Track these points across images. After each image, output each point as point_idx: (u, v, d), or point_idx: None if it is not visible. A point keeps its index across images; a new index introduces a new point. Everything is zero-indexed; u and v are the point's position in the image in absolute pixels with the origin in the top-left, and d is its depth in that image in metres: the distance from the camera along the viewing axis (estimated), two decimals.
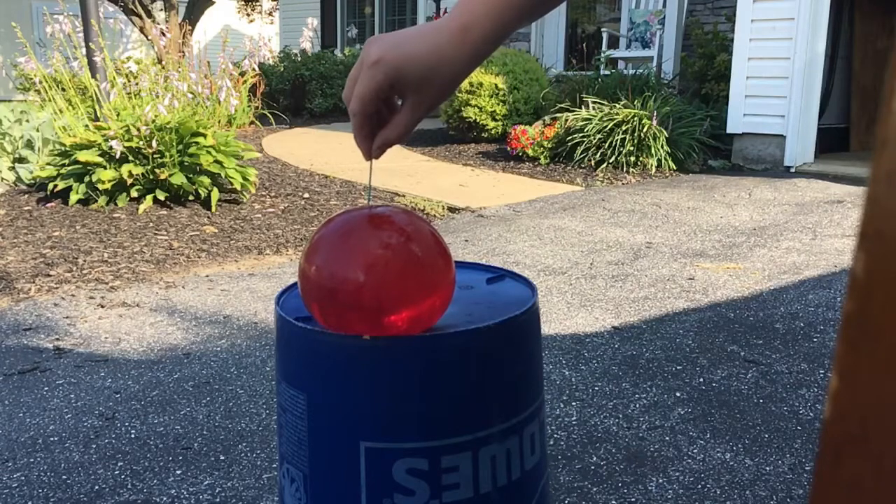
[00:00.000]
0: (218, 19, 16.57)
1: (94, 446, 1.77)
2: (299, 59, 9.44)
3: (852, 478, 0.25)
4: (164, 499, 1.56)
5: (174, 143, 4.12)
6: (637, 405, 1.95)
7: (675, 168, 5.43)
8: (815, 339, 2.37)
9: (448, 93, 0.67)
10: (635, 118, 5.43)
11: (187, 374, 2.17)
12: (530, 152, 5.80)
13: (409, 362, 0.65)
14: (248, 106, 7.55)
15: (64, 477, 1.64)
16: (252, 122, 7.68)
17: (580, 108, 5.89)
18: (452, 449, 0.65)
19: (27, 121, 4.95)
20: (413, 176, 5.30)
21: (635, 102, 5.63)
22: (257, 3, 20.40)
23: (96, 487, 1.60)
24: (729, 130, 5.69)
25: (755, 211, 4.21)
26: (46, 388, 2.09)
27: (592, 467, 1.66)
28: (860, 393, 0.25)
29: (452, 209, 4.35)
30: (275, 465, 1.68)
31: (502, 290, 0.80)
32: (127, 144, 4.04)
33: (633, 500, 1.54)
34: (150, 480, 1.63)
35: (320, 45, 11.56)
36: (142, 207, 4.01)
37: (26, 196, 4.28)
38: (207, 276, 3.13)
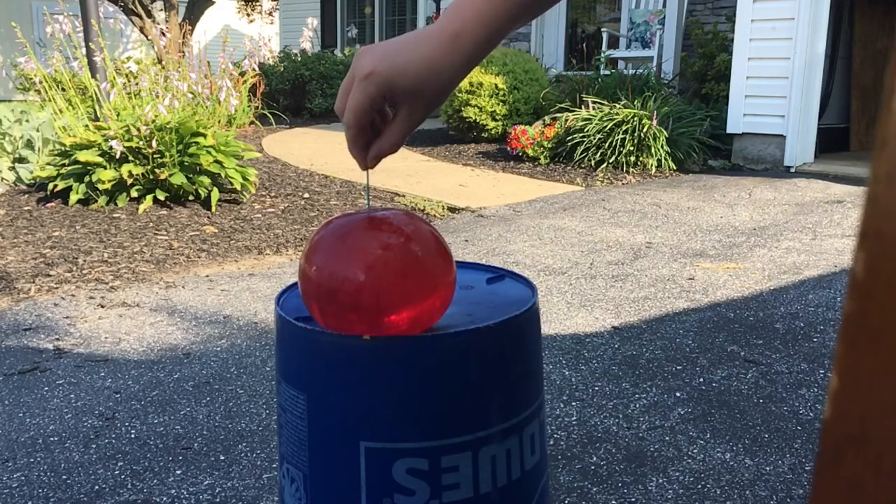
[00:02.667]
0: (218, 19, 16.57)
1: (94, 446, 1.77)
2: (299, 59, 9.44)
3: (852, 478, 0.25)
4: (164, 499, 1.56)
5: (174, 143, 4.12)
6: (637, 405, 1.95)
7: (675, 168, 5.43)
8: (815, 339, 2.37)
9: (442, 100, 0.67)
10: (635, 118, 5.43)
11: (187, 374, 2.17)
12: (530, 152, 5.81)
13: (409, 362, 0.65)
14: (248, 106, 7.55)
15: (64, 477, 1.64)
16: (252, 122, 7.69)
17: (580, 108, 5.89)
18: (452, 449, 0.65)
19: (27, 121, 4.95)
20: (413, 176, 5.30)
21: (635, 102, 5.63)
22: (257, 3, 20.40)
23: (96, 487, 1.60)
24: (729, 130, 5.69)
25: (755, 211, 4.21)
26: (46, 388, 2.09)
27: (592, 467, 1.66)
28: (860, 393, 0.25)
29: (452, 209, 4.35)
30: (275, 465, 1.69)
31: (502, 290, 0.80)
32: (127, 144, 4.04)
33: (633, 500, 1.54)
34: (150, 480, 1.63)
35: (320, 45, 11.57)
36: (142, 207, 4.01)
37: (26, 196, 4.28)
38: (207, 276, 3.13)
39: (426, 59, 0.63)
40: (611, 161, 5.41)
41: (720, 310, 2.65)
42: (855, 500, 0.25)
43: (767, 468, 1.64)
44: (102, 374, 2.17)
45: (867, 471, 0.24)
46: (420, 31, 0.66)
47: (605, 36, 7.64)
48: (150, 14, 10.22)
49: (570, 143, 5.64)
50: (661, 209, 4.27)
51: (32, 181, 4.44)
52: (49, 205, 4.09)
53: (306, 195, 4.64)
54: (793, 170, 5.43)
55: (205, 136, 4.19)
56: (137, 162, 4.08)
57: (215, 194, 4.13)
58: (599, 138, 5.50)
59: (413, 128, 0.68)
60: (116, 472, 1.66)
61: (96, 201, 4.05)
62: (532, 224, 3.96)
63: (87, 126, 4.52)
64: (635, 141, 5.39)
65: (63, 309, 2.72)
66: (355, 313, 0.64)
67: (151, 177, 4.09)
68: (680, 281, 2.98)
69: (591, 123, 5.56)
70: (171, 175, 4.04)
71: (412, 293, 0.64)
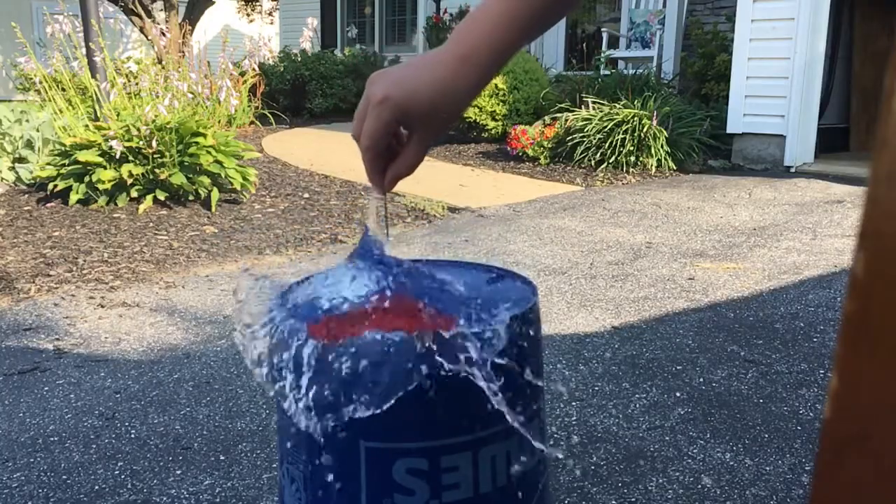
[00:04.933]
0: (218, 19, 16.56)
1: (94, 446, 1.77)
2: (299, 59, 9.44)
3: (852, 478, 0.25)
4: (164, 499, 1.56)
5: (174, 143, 4.12)
6: (637, 405, 1.95)
7: (675, 168, 5.43)
8: (815, 339, 2.37)
9: (454, 120, 0.69)
10: (635, 118, 5.43)
11: (187, 374, 2.17)
12: (530, 152, 5.80)
13: (409, 362, 0.65)
14: (248, 106, 7.55)
15: (64, 477, 1.64)
16: (252, 122, 7.69)
17: (580, 108, 5.89)
18: (452, 449, 0.65)
19: (27, 121, 4.95)
20: (413, 176, 5.27)
21: (635, 102, 5.63)
22: (257, 3, 20.40)
23: (96, 487, 1.60)
24: (729, 130, 5.68)
25: (755, 211, 4.21)
26: (46, 388, 2.09)
27: (592, 467, 1.66)
28: (860, 393, 0.25)
29: (452, 209, 4.35)
30: (275, 465, 1.69)
31: (502, 290, 0.80)
32: (127, 144, 4.04)
33: (633, 500, 1.54)
34: (150, 480, 1.63)
35: (320, 45, 11.56)
36: (142, 207, 4.01)
37: (26, 196, 4.28)
38: (207, 276, 3.13)
39: (437, 82, 0.65)
40: (611, 161, 5.41)
41: (720, 310, 2.65)
42: (855, 500, 0.25)
43: (767, 468, 1.64)
44: (102, 374, 2.18)
45: (867, 471, 0.24)
46: (430, 55, 0.67)
47: (605, 36, 7.64)
48: (150, 14, 10.22)
49: (570, 143, 5.63)
50: (661, 209, 4.27)
51: (32, 181, 4.44)
52: (49, 205, 4.09)
53: (306, 195, 4.64)
54: (793, 170, 5.43)
55: (205, 136, 4.19)
56: (137, 162, 4.08)
57: (215, 194, 4.13)
58: (599, 138, 5.50)
59: (427, 149, 0.70)
60: (116, 472, 1.66)
61: (96, 201, 4.05)
62: (532, 224, 3.96)
63: (87, 126, 4.52)
64: (635, 141, 5.39)
65: (63, 309, 2.72)
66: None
67: (151, 177, 4.09)
68: (680, 281, 2.98)
69: (591, 123, 5.56)
70: (171, 175, 4.04)
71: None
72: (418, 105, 0.65)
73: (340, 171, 5.39)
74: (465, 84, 0.65)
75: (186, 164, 4.13)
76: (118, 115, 4.47)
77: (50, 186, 4.09)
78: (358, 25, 12.35)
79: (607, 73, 6.73)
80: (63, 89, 5.04)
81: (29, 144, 4.78)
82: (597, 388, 2.05)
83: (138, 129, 4.10)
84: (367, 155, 0.68)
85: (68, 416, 1.93)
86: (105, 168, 4.03)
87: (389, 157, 0.70)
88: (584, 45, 8.85)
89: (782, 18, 5.34)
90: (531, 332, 0.73)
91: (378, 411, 0.66)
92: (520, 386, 0.71)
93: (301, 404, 0.64)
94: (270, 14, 20.00)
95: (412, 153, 0.69)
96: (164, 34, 6.85)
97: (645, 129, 5.38)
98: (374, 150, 0.67)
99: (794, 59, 5.32)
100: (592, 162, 5.49)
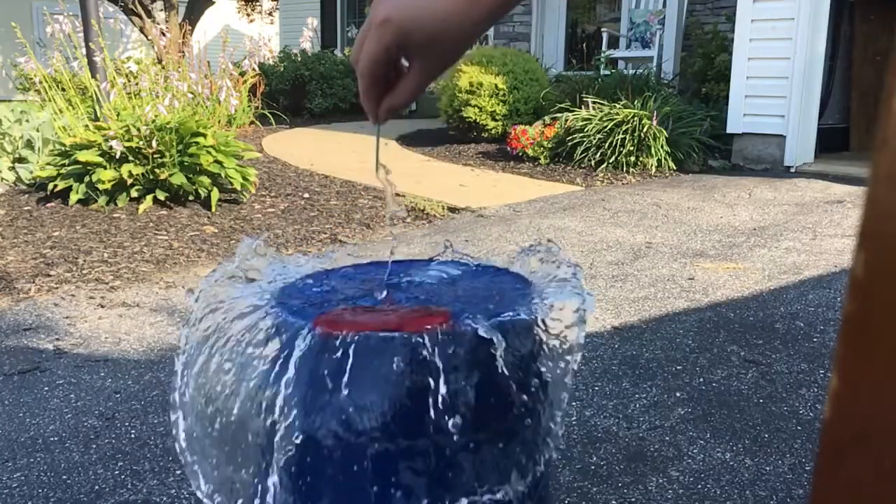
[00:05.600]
0: (218, 19, 16.56)
1: (94, 446, 1.77)
2: (299, 59, 9.44)
3: (852, 478, 0.25)
4: (164, 499, 1.56)
5: (174, 143, 4.12)
6: (637, 405, 1.95)
7: (675, 168, 5.43)
8: (815, 339, 2.37)
9: (455, 57, 0.66)
10: (635, 118, 5.43)
11: None
12: (530, 152, 5.81)
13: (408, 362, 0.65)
14: (248, 106, 7.55)
15: (64, 477, 1.64)
16: (252, 122, 7.69)
17: (580, 108, 5.89)
18: None
19: (27, 121, 4.95)
20: (413, 176, 5.30)
21: (635, 102, 5.63)
22: (257, 3, 20.40)
23: (96, 487, 1.60)
24: (729, 130, 5.69)
25: (755, 211, 4.21)
26: (46, 388, 2.09)
27: (592, 467, 1.66)
28: (860, 393, 0.25)
29: (452, 209, 4.35)
30: None
31: (507, 289, 0.80)
32: (127, 144, 4.04)
33: (633, 500, 1.54)
34: (150, 480, 1.63)
35: (320, 45, 11.56)
36: (142, 207, 4.01)
37: (26, 196, 4.28)
38: (207, 276, 3.13)
39: (443, 10, 0.62)
40: (611, 161, 5.41)
41: (720, 310, 2.65)
42: (855, 500, 0.25)
43: (767, 468, 1.65)
44: (102, 374, 2.17)
45: (867, 471, 0.24)
46: None
47: (605, 36, 7.64)
48: (150, 14, 10.22)
49: (570, 143, 5.64)
50: (661, 209, 4.27)
51: (32, 181, 4.44)
52: (49, 205, 4.09)
53: (306, 195, 4.64)
54: (793, 170, 5.43)
55: (205, 136, 4.19)
56: (137, 162, 4.08)
57: (215, 194, 4.13)
58: (599, 138, 5.50)
59: (426, 84, 0.67)
60: (116, 472, 1.66)
61: (96, 201, 4.05)
62: (532, 224, 3.96)
63: (87, 126, 4.52)
64: (635, 141, 5.39)
65: (63, 309, 2.72)
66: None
67: (151, 177, 4.09)
68: (680, 281, 2.98)
69: (591, 123, 5.56)
70: (171, 175, 4.04)
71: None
72: (419, 30, 0.63)
73: (340, 171, 5.39)
74: (471, 17, 0.63)
75: (186, 164, 4.13)
76: (118, 115, 4.47)
77: (50, 186, 4.09)
78: (358, 25, 12.35)
79: (607, 73, 6.74)
80: (63, 89, 5.04)
81: (29, 144, 4.78)
82: (597, 388, 2.05)
83: (138, 129, 4.10)
84: (364, 80, 0.65)
85: (68, 416, 1.93)
86: (105, 168, 4.03)
87: (387, 89, 0.67)
88: (584, 45, 8.85)
89: (782, 18, 5.34)
90: (534, 333, 0.73)
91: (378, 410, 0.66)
92: (522, 386, 0.71)
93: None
94: (270, 14, 20.00)
95: (411, 84, 0.66)
96: (164, 34, 6.85)
97: (645, 129, 5.38)
98: (371, 77, 0.65)
99: (794, 59, 5.32)
100: (592, 162, 5.49)
